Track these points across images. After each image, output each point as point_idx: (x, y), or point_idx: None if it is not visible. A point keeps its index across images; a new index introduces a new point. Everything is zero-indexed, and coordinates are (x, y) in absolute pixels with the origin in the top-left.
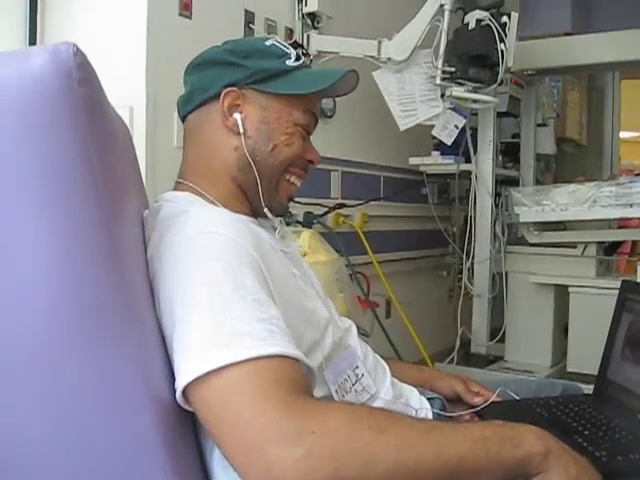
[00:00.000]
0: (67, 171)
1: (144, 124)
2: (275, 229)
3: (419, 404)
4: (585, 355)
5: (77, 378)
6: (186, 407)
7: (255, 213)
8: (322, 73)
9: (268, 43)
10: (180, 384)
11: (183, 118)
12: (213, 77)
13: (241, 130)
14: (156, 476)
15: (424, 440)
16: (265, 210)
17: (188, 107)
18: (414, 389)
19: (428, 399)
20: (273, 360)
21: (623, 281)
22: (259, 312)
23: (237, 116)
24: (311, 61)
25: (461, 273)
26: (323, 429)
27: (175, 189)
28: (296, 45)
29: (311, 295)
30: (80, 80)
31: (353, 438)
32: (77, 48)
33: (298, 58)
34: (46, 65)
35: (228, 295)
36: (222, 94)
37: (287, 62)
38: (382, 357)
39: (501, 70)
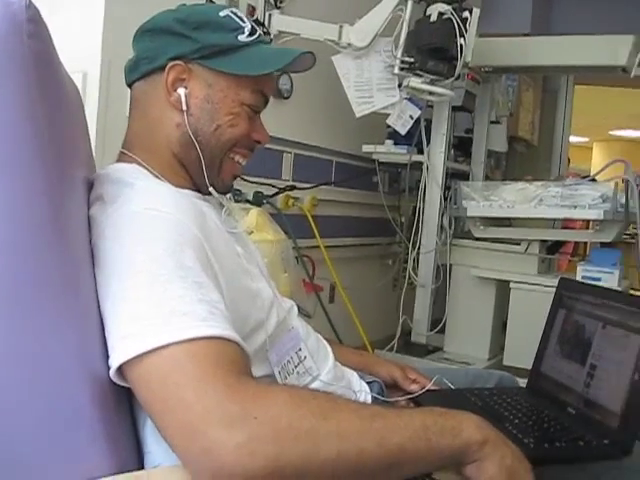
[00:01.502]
0: (11, 127)
1: (97, 90)
2: (222, 206)
3: (359, 387)
4: (521, 350)
5: (11, 346)
6: (121, 383)
7: (199, 190)
8: (275, 53)
9: (222, 14)
10: (116, 361)
11: (129, 85)
12: (160, 47)
13: (184, 107)
14: (88, 445)
15: (367, 429)
16: (210, 189)
17: (133, 75)
18: (354, 372)
19: (367, 383)
20: (214, 341)
21: (561, 278)
22: (199, 294)
23: (181, 92)
24: (271, 40)
25: (406, 263)
26: (265, 414)
27: (119, 160)
28: (257, 23)
29: (255, 275)
30: (31, 34)
31: (295, 424)
32: (30, 1)
33: (252, 32)
34: None
35: (169, 275)
36: (167, 67)
37: (239, 37)
38: (325, 338)
39: (459, 64)
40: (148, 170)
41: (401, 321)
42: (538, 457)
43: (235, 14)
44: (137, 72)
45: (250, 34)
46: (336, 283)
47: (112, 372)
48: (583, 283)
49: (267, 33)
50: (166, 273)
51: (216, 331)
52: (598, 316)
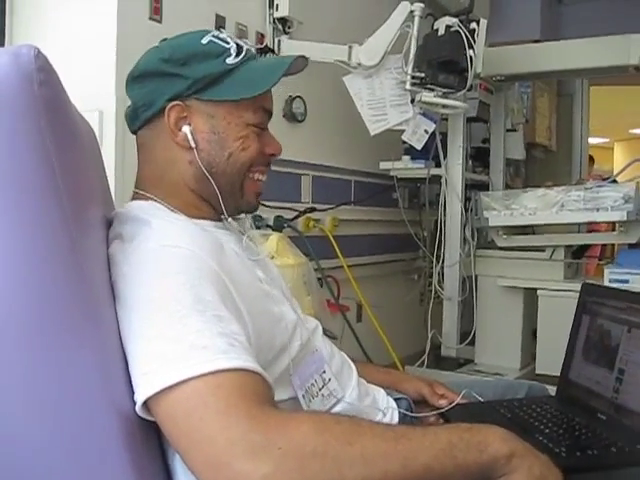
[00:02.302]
0: (27, 172)
1: (114, 127)
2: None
3: (386, 404)
4: (553, 357)
5: (34, 382)
6: (148, 418)
7: (218, 219)
8: (266, 68)
9: (205, 41)
10: (140, 397)
11: (133, 132)
12: (154, 92)
13: (192, 144)
14: (118, 477)
15: (391, 451)
16: (229, 220)
17: (136, 124)
18: (381, 389)
19: (395, 399)
20: (235, 373)
21: (584, 284)
22: (219, 327)
23: (186, 130)
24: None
25: (431, 277)
26: (290, 444)
27: (134, 198)
28: (267, 50)
29: (278, 299)
30: (41, 82)
31: (320, 452)
32: (38, 51)
33: (239, 52)
34: (7, 67)
35: (188, 309)
36: (166, 110)
37: (227, 60)
38: (350, 358)
39: (470, 76)
40: (164, 206)
41: (430, 336)
42: (571, 466)
43: (217, 37)
44: (138, 120)
45: (237, 54)
46: (362, 302)
47: (138, 407)
48: (606, 287)
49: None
50: (184, 308)
51: (237, 363)
52: (623, 320)
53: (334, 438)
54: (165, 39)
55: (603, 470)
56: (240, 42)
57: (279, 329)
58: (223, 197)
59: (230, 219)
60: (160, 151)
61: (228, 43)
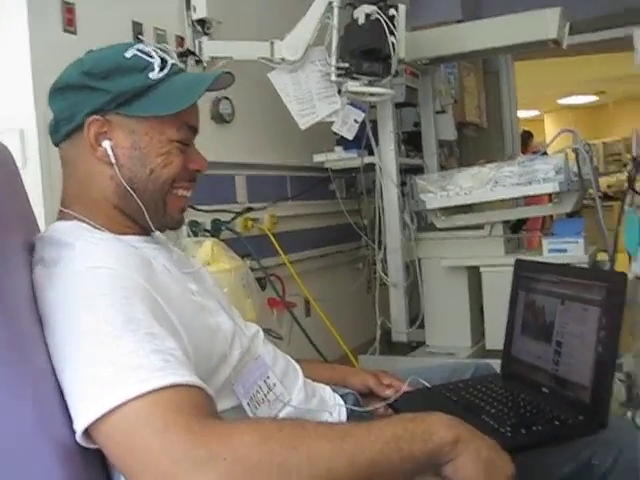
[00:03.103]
0: None
1: (37, 146)
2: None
3: (333, 401)
4: (501, 333)
5: None
6: (90, 446)
7: (145, 233)
8: (189, 83)
9: (128, 54)
10: (80, 425)
11: (56, 145)
12: (74, 105)
13: (112, 160)
14: None
15: (337, 450)
16: (157, 234)
17: (57, 137)
18: (326, 387)
19: (341, 395)
20: (173, 389)
21: (517, 260)
22: (153, 344)
23: (106, 145)
24: (204, 68)
25: (375, 264)
26: (234, 455)
27: (59, 218)
28: (188, 53)
29: (214, 310)
30: None
31: (265, 460)
32: None
33: (163, 67)
34: None
35: (119, 330)
36: (86, 124)
37: (150, 75)
38: (294, 358)
39: (394, 62)
40: (89, 224)
41: (379, 323)
42: (517, 445)
43: (142, 51)
44: (59, 134)
45: (161, 69)
46: (308, 297)
47: (78, 436)
48: (538, 262)
49: (199, 61)
50: (116, 329)
51: (174, 379)
52: (556, 293)
53: (278, 445)
54: (91, 51)
55: (549, 445)
56: (165, 56)
57: (217, 340)
58: (147, 213)
59: (158, 233)
60: (81, 166)
61: (152, 57)
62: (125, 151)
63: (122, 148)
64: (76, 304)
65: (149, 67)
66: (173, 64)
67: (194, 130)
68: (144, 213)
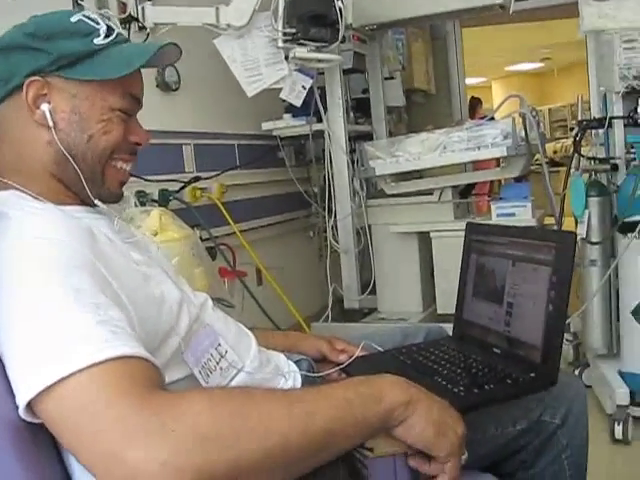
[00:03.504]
0: None
1: None
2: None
3: (287, 367)
4: (452, 297)
5: None
6: (34, 420)
7: (86, 204)
8: (134, 51)
9: (74, 19)
10: (22, 400)
11: None
12: (14, 66)
13: (50, 124)
14: None
15: (288, 416)
16: (96, 201)
17: None
18: (280, 354)
19: (295, 362)
20: (120, 361)
21: (468, 223)
22: (97, 315)
23: (45, 108)
24: (148, 35)
25: (326, 232)
26: (183, 425)
27: None
28: (131, 19)
29: (159, 279)
30: None
31: (216, 430)
32: None
33: (109, 34)
34: None
35: (63, 301)
36: (25, 84)
37: (95, 40)
38: (246, 327)
39: (341, 27)
40: (26, 193)
41: (331, 290)
42: (470, 403)
43: (88, 17)
44: None
45: (106, 35)
46: (259, 265)
47: (21, 411)
48: (489, 225)
49: (143, 27)
50: (60, 301)
51: (120, 350)
52: (507, 254)
53: (228, 413)
54: (35, 16)
55: (502, 402)
56: (112, 25)
57: (163, 310)
58: (86, 183)
59: (99, 202)
60: (17, 129)
61: (98, 24)
62: (64, 115)
63: (61, 112)
64: (17, 277)
65: (94, 33)
66: (119, 33)
67: (137, 101)
68: (82, 182)
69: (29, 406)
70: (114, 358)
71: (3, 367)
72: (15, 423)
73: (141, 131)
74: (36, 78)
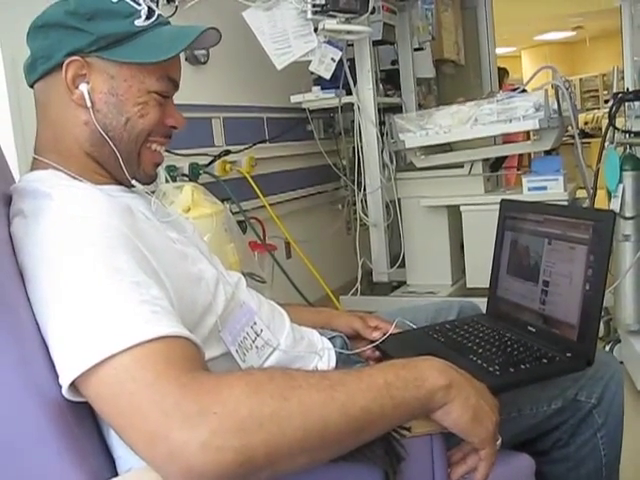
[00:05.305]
0: None
1: (5, 92)
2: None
3: (321, 344)
4: (481, 270)
5: None
6: (77, 399)
7: (121, 184)
8: (175, 34)
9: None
10: (65, 380)
11: (31, 86)
12: (54, 44)
13: (88, 104)
14: (55, 462)
15: (329, 400)
16: (133, 182)
17: (33, 76)
18: (314, 330)
19: (329, 339)
20: (161, 341)
21: (502, 200)
22: (138, 294)
23: (83, 88)
24: (176, 8)
25: (355, 205)
26: (224, 408)
27: (33, 167)
28: None
29: (195, 257)
30: None
31: (256, 412)
32: None
33: (149, 15)
34: None
35: (104, 282)
36: (65, 64)
37: (136, 22)
38: (279, 304)
39: None
40: (65, 173)
41: (360, 263)
42: (506, 383)
43: None
44: (35, 73)
45: (147, 17)
46: (288, 239)
47: (65, 391)
48: (523, 202)
49: (171, 0)
50: (100, 280)
51: (161, 330)
52: (543, 232)
53: (269, 395)
54: None
55: (538, 382)
56: (153, 6)
57: (200, 289)
58: (122, 163)
59: (135, 182)
60: (55, 108)
61: (140, 5)
62: (102, 96)
63: (99, 93)
64: (57, 256)
65: (135, 14)
66: (159, 15)
67: (175, 84)
68: (119, 161)
69: (72, 385)
70: (155, 338)
71: (46, 346)
72: (57, 400)
73: (177, 115)
74: (76, 58)
